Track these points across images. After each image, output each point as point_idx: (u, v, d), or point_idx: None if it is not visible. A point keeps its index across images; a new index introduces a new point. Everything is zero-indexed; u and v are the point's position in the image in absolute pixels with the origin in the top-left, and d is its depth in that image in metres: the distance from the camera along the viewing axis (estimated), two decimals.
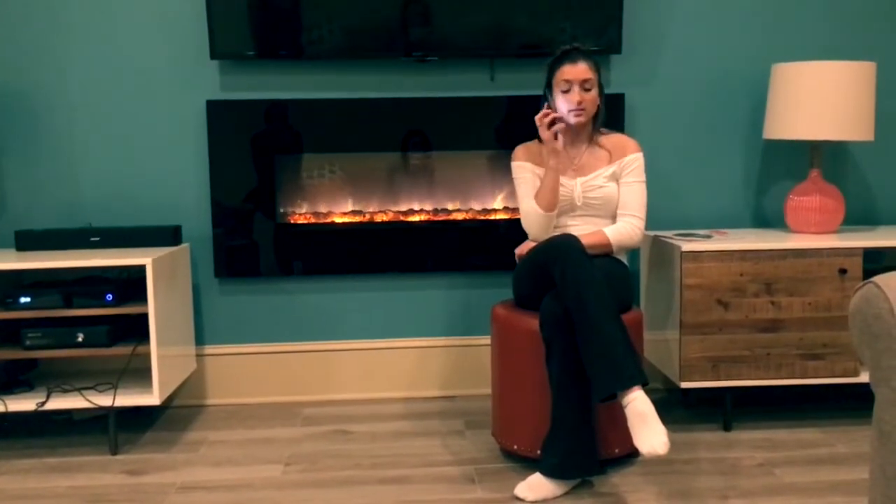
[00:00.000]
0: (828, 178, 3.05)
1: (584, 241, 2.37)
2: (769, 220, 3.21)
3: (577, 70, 2.49)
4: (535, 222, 2.56)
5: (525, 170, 2.64)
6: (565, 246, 2.29)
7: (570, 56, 2.51)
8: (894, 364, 1.62)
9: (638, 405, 2.11)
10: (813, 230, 2.93)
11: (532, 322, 2.42)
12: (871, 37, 3.16)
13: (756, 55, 3.13)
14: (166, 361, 2.73)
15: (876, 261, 2.97)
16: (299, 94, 3.06)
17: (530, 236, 2.62)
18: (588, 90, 2.51)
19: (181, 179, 3.07)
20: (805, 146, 3.07)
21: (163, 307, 2.70)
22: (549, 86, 2.57)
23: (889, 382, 1.64)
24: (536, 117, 2.52)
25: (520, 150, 2.69)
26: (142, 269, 2.66)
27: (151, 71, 3.02)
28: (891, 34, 3.16)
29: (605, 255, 2.54)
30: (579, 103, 2.50)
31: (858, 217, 3.21)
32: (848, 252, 2.72)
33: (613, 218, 2.60)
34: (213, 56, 2.97)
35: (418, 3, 2.97)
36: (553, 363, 2.30)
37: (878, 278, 1.70)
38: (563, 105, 2.52)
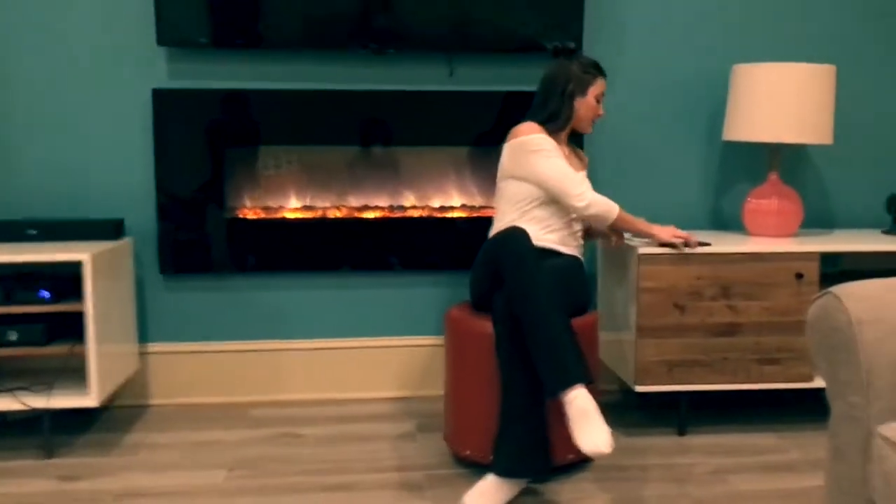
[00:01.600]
0: (786, 180, 3.03)
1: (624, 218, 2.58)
2: (727, 222, 3.18)
3: (605, 85, 2.67)
4: (600, 209, 2.53)
5: (552, 143, 2.53)
6: (513, 243, 2.27)
7: (605, 71, 2.66)
8: (851, 378, 1.58)
9: (580, 402, 2.06)
10: (771, 233, 2.91)
11: (487, 325, 2.36)
12: (833, 39, 3.14)
13: (717, 55, 3.09)
14: (105, 361, 2.61)
15: (833, 265, 2.95)
16: (252, 84, 2.96)
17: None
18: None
19: (125, 171, 2.95)
20: (764, 148, 3.04)
21: (102, 304, 2.59)
22: (582, 89, 2.60)
23: (845, 397, 1.60)
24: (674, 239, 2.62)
25: (532, 125, 2.55)
26: (79, 264, 2.53)
27: (94, 57, 2.89)
28: (852, 37, 3.15)
29: (560, 254, 2.52)
30: (601, 116, 2.68)
31: (816, 220, 3.20)
32: (805, 256, 2.69)
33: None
34: (160, 42, 2.85)
35: None
36: (502, 354, 2.26)
37: (837, 289, 1.66)
38: (590, 112, 2.63)
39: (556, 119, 2.59)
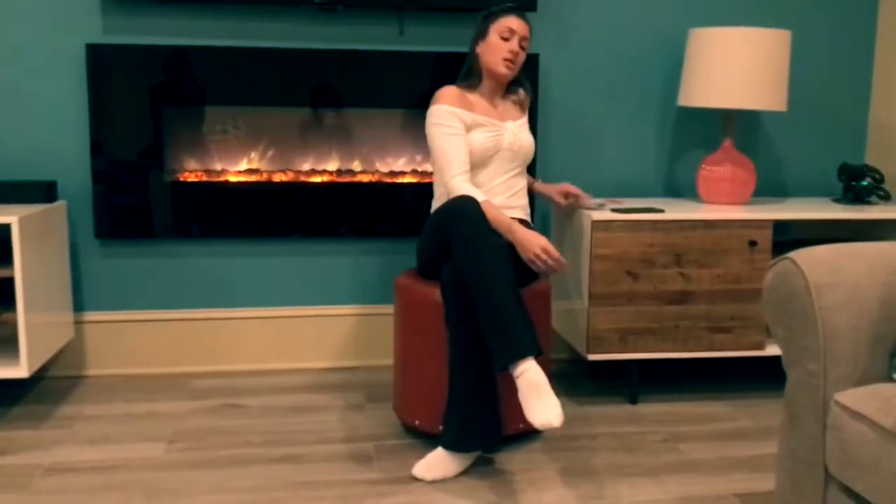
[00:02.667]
0: (740, 147, 3.00)
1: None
2: (681, 189, 3.15)
3: (523, 25, 2.47)
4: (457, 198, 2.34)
5: (454, 117, 2.40)
6: (463, 211, 2.19)
7: (517, 11, 2.48)
8: (809, 344, 1.55)
9: (530, 375, 2.01)
10: (724, 201, 2.88)
11: (436, 293, 2.29)
12: (788, 5, 3.10)
13: (674, 19, 3.04)
14: (37, 330, 2.49)
15: (784, 233, 2.94)
16: (193, 40, 2.82)
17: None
18: (524, 48, 2.48)
19: (58, 131, 2.79)
20: (719, 115, 3.01)
21: (33, 270, 2.45)
22: (482, 34, 2.47)
23: (803, 364, 1.57)
24: (540, 257, 2.24)
25: (446, 91, 2.46)
26: (7, 228, 2.39)
27: (21, 9, 2.72)
28: (805, 3, 3.12)
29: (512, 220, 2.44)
30: (516, 54, 2.45)
31: (769, 188, 3.19)
32: (758, 224, 2.67)
33: (524, 165, 2.56)
34: None
35: None
36: (451, 326, 2.19)
37: (794, 254, 1.62)
38: (497, 52, 2.45)
39: (469, 76, 2.51)
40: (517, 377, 2.02)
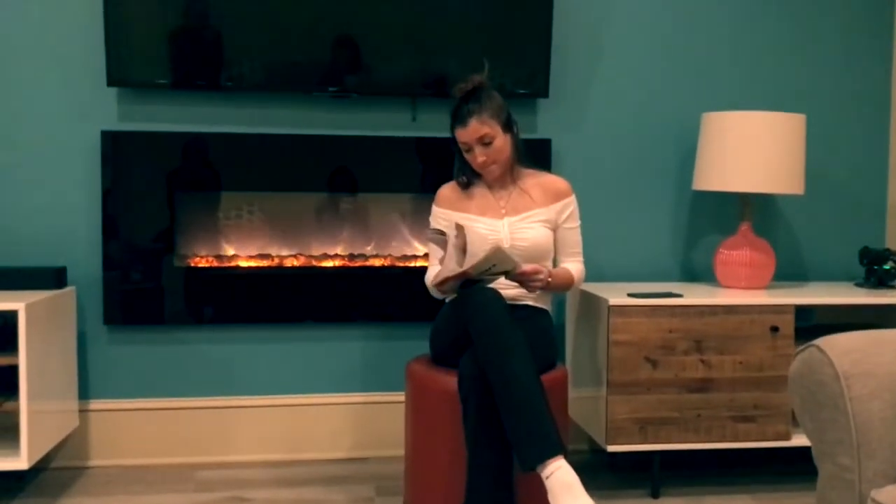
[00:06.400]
0: (758, 231, 2.95)
1: (559, 280, 2.35)
2: (698, 273, 3.09)
3: (469, 132, 2.31)
4: (431, 292, 2.39)
5: (440, 219, 2.44)
6: (486, 303, 2.12)
7: (459, 118, 2.33)
8: (841, 437, 1.46)
9: (562, 475, 1.92)
10: (743, 285, 2.82)
11: (450, 381, 2.21)
12: (803, 89, 3.10)
13: (686, 103, 3.03)
14: (40, 419, 2.42)
15: (806, 319, 2.86)
16: (207, 127, 2.83)
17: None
18: (489, 143, 2.33)
19: (70, 216, 2.79)
20: (735, 198, 2.97)
21: (38, 357, 2.41)
22: (455, 142, 2.40)
23: (834, 458, 1.48)
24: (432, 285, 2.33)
25: (441, 190, 2.50)
26: (14, 314, 2.36)
27: (38, 95, 2.75)
28: (820, 86, 3.12)
29: (527, 307, 2.38)
30: (483, 163, 2.36)
31: (788, 272, 3.12)
32: (779, 309, 2.60)
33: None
34: (109, 83, 2.73)
35: (346, 41, 2.80)
36: (469, 424, 2.10)
37: (820, 341, 1.55)
38: (470, 161, 2.39)
39: (463, 171, 2.45)
40: (547, 477, 1.93)
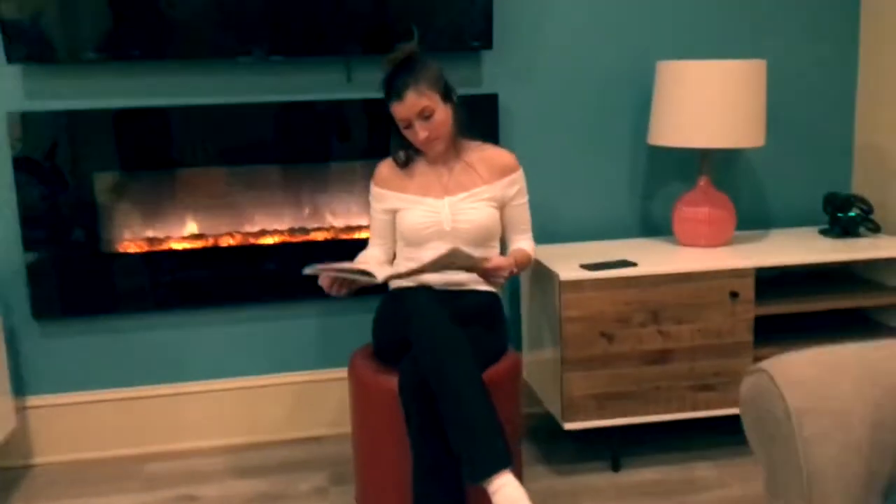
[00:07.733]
0: (718, 182, 2.80)
1: (521, 266, 2.28)
2: (658, 227, 2.95)
3: (407, 106, 2.15)
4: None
5: (377, 197, 2.32)
6: (423, 309, 1.99)
7: (394, 91, 2.15)
8: (792, 480, 1.36)
9: (509, 491, 1.83)
10: (703, 243, 2.69)
11: (394, 382, 2.09)
12: (761, 33, 2.89)
13: (641, 51, 2.82)
14: None
15: (770, 269, 2.74)
16: (122, 101, 2.61)
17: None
18: (429, 117, 2.17)
19: None
20: (694, 150, 2.81)
21: None
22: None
23: (788, 499, 1.39)
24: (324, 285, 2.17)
25: (379, 168, 2.35)
26: None
27: None
28: (782, 27, 2.91)
29: (475, 292, 2.25)
30: (426, 139, 2.18)
31: (751, 221, 2.98)
32: (739, 273, 2.49)
33: (480, 246, 2.26)
34: (10, 60, 2.49)
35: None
36: (413, 433, 2.00)
37: (770, 366, 1.44)
38: (409, 137, 2.22)
39: (407, 145, 2.28)
40: (493, 493, 1.84)
